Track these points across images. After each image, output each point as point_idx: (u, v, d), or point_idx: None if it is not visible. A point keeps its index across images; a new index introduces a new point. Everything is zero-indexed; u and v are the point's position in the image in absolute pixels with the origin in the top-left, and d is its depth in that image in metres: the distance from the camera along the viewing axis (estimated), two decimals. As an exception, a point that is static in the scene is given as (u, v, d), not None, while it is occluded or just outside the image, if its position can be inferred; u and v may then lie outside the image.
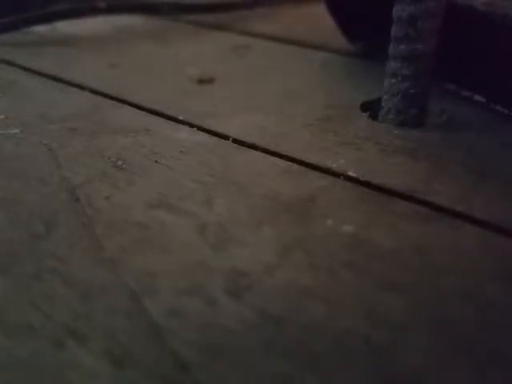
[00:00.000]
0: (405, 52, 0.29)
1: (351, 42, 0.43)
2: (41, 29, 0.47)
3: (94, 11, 0.47)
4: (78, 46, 0.45)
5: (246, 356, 0.17)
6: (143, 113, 0.33)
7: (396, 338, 0.17)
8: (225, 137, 0.29)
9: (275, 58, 0.42)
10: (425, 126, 0.30)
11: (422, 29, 0.28)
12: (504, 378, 0.16)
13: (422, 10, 0.28)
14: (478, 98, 0.33)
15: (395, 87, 0.30)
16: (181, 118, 0.32)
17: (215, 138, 0.29)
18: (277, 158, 0.27)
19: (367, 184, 0.25)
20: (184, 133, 0.30)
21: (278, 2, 0.58)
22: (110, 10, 0.48)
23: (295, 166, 0.26)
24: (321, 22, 0.46)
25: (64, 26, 0.48)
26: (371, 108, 0.32)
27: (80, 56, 0.43)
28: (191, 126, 0.31)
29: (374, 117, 0.31)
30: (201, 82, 0.37)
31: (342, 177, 0.25)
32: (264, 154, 0.28)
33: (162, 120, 0.32)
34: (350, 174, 0.26)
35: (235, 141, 0.29)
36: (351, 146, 0.28)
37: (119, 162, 0.27)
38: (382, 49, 0.30)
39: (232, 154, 0.28)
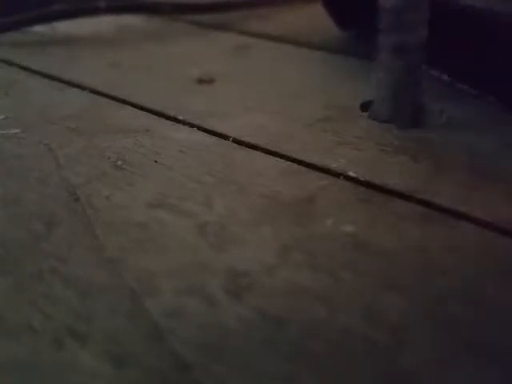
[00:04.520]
0: (393, 45, 0.28)
1: (342, 28, 0.43)
2: (41, 29, 0.47)
3: (94, 11, 0.47)
4: (78, 46, 0.45)
5: (246, 356, 0.17)
6: (143, 113, 0.33)
7: (396, 337, 0.17)
8: (225, 137, 0.29)
9: (275, 58, 0.42)
10: (424, 125, 0.30)
11: (408, 20, 0.28)
12: (504, 378, 0.16)
13: (408, 1, 0.27)
14: (477, 96, 0.33)
15: (384, 81, 0.29)
16: (181, 117, 0.32)
17: (215, 138, 0.29)
18: (277, 158, 0.27)
19: (367, 184, 0.25)
20: (184, 133, 0.30)
21: (278, 2, 0.57)
22: (110, 9, 0.48)
23: (295, 166, 0.26)
24: (321, 22, 0.46)
25: (64, 26, 0.48)
26: (371, 108, 0.32)
27: (80, 56, 0.43)
28: (191, 125, 0.31)
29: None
30: (201, 81, 0.37)
31: (342, 177, 0.25)
32: (264, 154, 0.28)
33: (162, 120, 0.32)
34: (350, 173, 0.26)
35: (235, 141, 0.29)
36: (351, 145, 0.28)
37: (119, 162, 0.27)
38: (372, 36, 0.30)
39: (232, 153, 0.28)
